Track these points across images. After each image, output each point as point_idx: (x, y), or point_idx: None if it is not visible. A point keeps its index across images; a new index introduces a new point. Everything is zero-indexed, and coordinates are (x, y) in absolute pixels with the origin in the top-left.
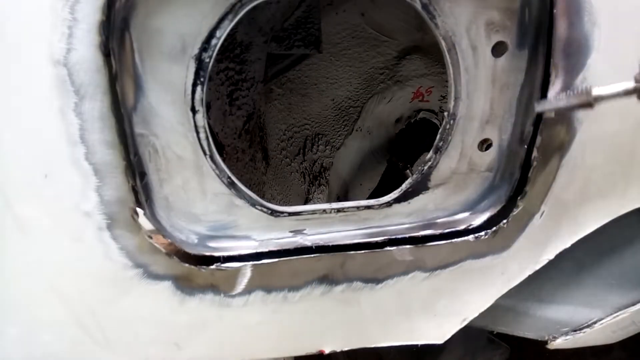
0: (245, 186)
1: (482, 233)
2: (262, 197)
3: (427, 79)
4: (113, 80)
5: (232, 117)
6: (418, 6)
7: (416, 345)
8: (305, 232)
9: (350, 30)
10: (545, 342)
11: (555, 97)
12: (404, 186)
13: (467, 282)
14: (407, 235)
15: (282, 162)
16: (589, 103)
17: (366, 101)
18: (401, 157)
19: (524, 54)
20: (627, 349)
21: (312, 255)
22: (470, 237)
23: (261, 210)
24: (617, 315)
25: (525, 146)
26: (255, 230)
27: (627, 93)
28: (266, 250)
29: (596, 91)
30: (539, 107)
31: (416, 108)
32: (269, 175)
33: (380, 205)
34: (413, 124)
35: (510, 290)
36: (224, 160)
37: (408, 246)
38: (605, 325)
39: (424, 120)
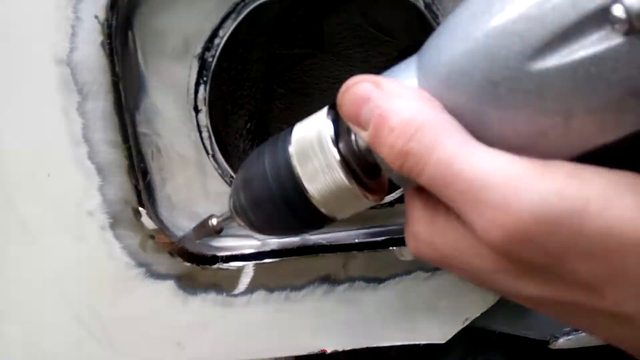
0: None
1: None
2: None
3: None
4: (116, 80)
5: (234, 116)
6: (421, 6)
7: (417, 345)
8: None
9: (351, 30)
10: (547, 342)
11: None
12: None
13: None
14: None
15: None
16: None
17: None
18: None
19: None
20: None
21: (315, 255)
22: None
23: None
24: None
25: None
26: None
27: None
28: (268, 249)
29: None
30: None
31: None
32: None
33: (383, 205)
34: None
35: None
36: (226, 160)
37: None
38: None
39: None
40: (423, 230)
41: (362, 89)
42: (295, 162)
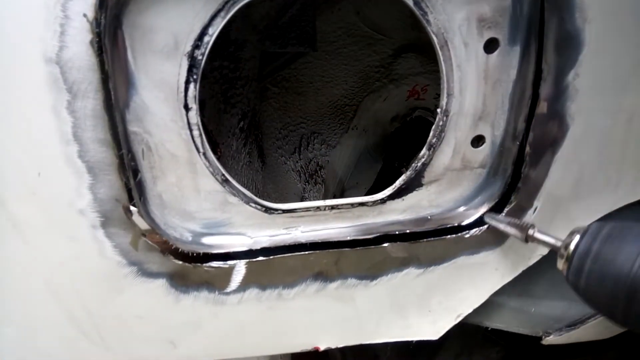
0: (241, 184)
1: (476, 229)
2: (257, 195)
3: (422, 77)
4: (105, 78)
5: (226, 115)
6: (410, 3)
7: (412, 342)
8: (299, 229)
9: (345, 28)
10: (540, 338)
11: (501, 218)
12: (397, 183)
13: (461, 278)
14: (401, 232)
15: (278, 160)
16: (524, 239)
17: (362, 99)
18: (397, 155)
19: (515, 50)
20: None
21: (307, 252)
22: (464, 234)
23: (255, 208)
24: None
25: (518, 142)
26: (249, 227)
27: (552, 248)
28: (260, 247)
29: (531, 232)
30: (488, 219)
31: (412, 106)
32: (264, 173)
33: (374, 202)
34: (409, 123)
35: (505, 286)
36: (218, 159)
37: (402, 243)
38: (599, 321)
39: (419, 119)
40: None
41: None
42: None
